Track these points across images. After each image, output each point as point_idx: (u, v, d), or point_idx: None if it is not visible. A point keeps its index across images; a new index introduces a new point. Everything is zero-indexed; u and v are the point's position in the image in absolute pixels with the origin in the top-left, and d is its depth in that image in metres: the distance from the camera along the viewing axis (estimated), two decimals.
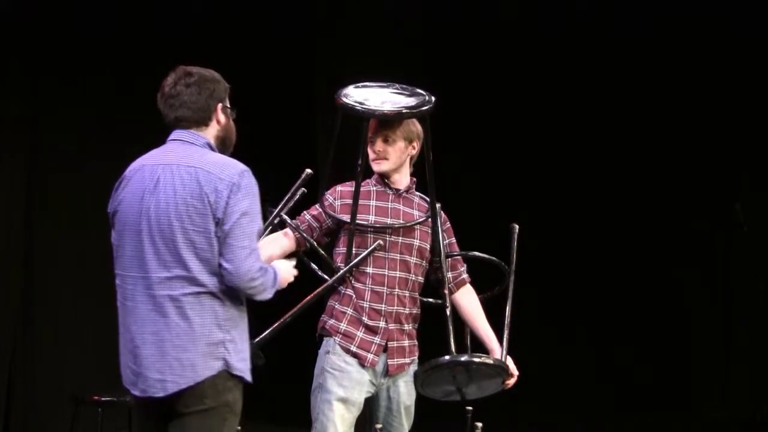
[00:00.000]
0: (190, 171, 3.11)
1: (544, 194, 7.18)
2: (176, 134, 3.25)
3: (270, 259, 3.87)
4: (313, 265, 4.07)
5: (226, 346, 3.11)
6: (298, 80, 7.15)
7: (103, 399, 5.64)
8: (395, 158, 3.94)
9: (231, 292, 3.12)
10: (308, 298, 3.90)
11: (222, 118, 3.27)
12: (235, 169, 3.14)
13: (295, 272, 3.42)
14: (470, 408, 4.15)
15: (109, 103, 6.53)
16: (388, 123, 3.90)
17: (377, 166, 3.95)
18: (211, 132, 3.27)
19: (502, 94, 7.08)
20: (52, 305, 6.42)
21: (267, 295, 3.19)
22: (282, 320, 3.85)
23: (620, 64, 7.01)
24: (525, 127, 7.18)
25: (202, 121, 3.24)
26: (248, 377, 3.19)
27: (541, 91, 7.12)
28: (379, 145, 3.92)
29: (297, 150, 6.82)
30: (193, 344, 3.07)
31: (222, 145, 3.29)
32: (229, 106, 3.32)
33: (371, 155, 3.94)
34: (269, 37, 7.01)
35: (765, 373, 6.74)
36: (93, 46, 6.48)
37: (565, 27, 6.91)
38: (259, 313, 3.88)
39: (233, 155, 3.33)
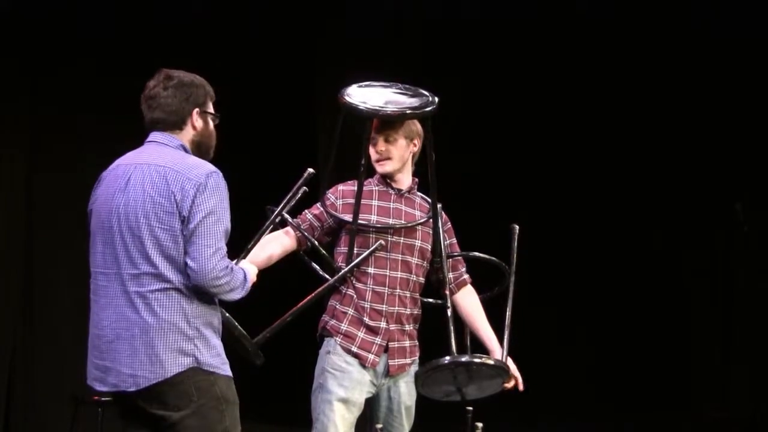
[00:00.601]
0: (159, 170, 3.15)
1: (544, 195, 7.17)
2: (152, 136, 3.29)
3: (270, 258, 3.88)
4: (314, 265, 4.07)
5: (195, 343, 3.13)
6: (298, 80, 7.14)
7: (103, 399, 5.62)
8: (398, 157, 3.94)
9: (199, 289, 3.15)
10: (309, 297, 3.90)
11: (198, 123, 3.30)
12: (204, 170, 3.17)
13: (255, 273, 3.41)
14: (470, 408, 4.14)
15: (109, 103, 6.52)
16: (389, 123, 3.89)
17: (381, 168, 3.95)
18: (186, 136, 3.29)
19: (503, 94, 7.07)
20: (52, 305, 6.41)
21: (235, 295, 3.20)
22: (282, 319, 3.85)
23: (621, 64, 7.00)
24: (525, 127, 7.18)
25: (176, 125, 3.27)
26: (224, 371, 3.20)
27: (543, 92, 7.11)
28: (381, 144, 3.92)
29: (297, 150, 6.82)
30: (161, 340, 3.10)
31: (198, 150, 3.31)
32: (210, 111, 3.34)
33: (374, 156, 3.93)
34: (269, 38, 7.00)
35: (765, 373, 6.73)
36: (93, 46, 6.47)
37: (565, 28, 6.90)
38: (259, 313, 3.89)
39: (226, 157, 3.34)
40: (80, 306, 6.14)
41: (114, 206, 3.18)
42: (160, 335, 3.10)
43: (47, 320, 6.42)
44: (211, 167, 3.20)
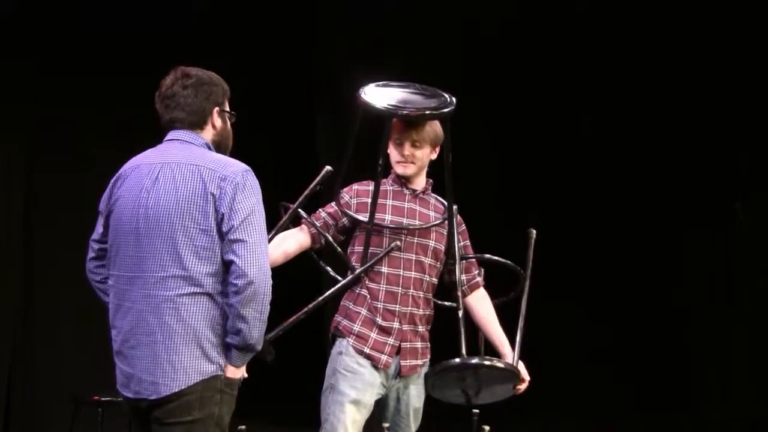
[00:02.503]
0: (191, 169, 3.05)
1: (546, 196, 7.17)
2: (174, 134, 3.18)
3: (286, 254, 3.83)
4: (325, 266, 4.05)
5: (219, 350, 3.03)
6: (298, 81, 7.14)
7: (103, 399, 5.64)
8: (421, 162, 3.91)
9: (228, 294, 3.04)
10: (323, 296, 3.88)
11: (218, 122, 3.21)
12: (239, 168, 3.08)
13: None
14: (476, 410, 4.13)
15: (109, 103, 6.52)
16: (416, 126, 3.85)
17: (404, 169, 3.91)
18: (207, 136, 3.20)
19: (512, 94, 7.07)
20: (52, 305, 6.41)
21: (264, 319, 3.01)
22: (296, 317, 3.82)
23: (624, 64, 7.00)
24: (533, 129, 7.17)
25: (197, 124, 3.18)
26: (237, 384, 3.11)
27: (547, 92, 7.11)
28: (408, 148, 3.87)
29: (297, 151, 6.82)
30: (186, 347, 2.99)
31: (217, 150, 3.21)
32: (227, 109, 3.26)
33: (398, 158, 3.89)
34: (268, 38, 7.00)
35: (765, 373, 6.73)
36: (93, 46, 6.47)
37: (566, 27, 6.90)
38: (271, 310, 3.88)
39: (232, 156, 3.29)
40: (80, 306, 6.23)
41: (140, 206, 3.06)
42: (185, 342, 2.99)
43: (47, 320, 6.42)
44: (243, 165, 3.10)
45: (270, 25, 6.93)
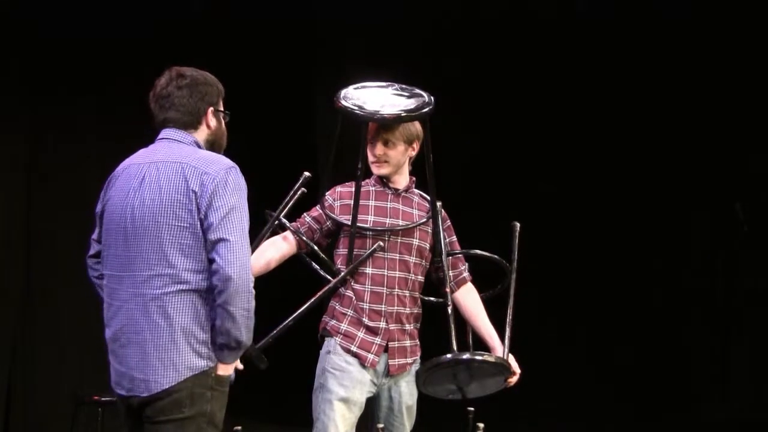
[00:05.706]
0: (175, 167, 3.09)
1: (543, 192, 7.17)
2: (165, 133, 3.23)
3: (268, 263, 3.86)
4: (315, 265, 4.07)
5: (209, 346, 3.07)
6: (298, 82, 7.14)
7: (103, 399, 5.64)
8: (395, 161, 3.93)
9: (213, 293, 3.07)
10: (310, 301, 3.90)
11: (212, 122, 3.26)
12: (222, 165, 3.10)
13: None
14: (472, 408, 4.14)
15: (109, 103, 6.53)
16: (387, 126, 3.88)
17: (377, 170, 3.95)
18: (201, 135, 3.25)
19: (503, 92, 7.07)
20: (52, 305, 6.41)
21: (250, 324, 3.04)
22: (284, 324, 3.86)
23: (621, 60, 6.99)
24: (526, 123, 7.17)
25: (191, 125, 3.23)
26: (232, 380, 3.15)
27: (542, 88, 7.10)
28: (380, 148, 3.91)
29: (296, 153, 6.83)
30: (173, 344, 3.03)
31: (211, 149, 3.26)
32: (222, 109, 3.30)
33: (371, 158, 3.93)
34: (268, 37, 7.00)
35: (765, 373, 6.73)
36: (92, 46, 6.47)
37: (563, 23, 6.90)
38: (261, 317, 3.89)
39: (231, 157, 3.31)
40: (80, 306, 6.23)
41: (128, 206, 3.11)
42: (173, 339, 3.03)
43: (47, 320, 6.42)
44: (228, 162, 3.13)
45: (270, 26, 6.92)
